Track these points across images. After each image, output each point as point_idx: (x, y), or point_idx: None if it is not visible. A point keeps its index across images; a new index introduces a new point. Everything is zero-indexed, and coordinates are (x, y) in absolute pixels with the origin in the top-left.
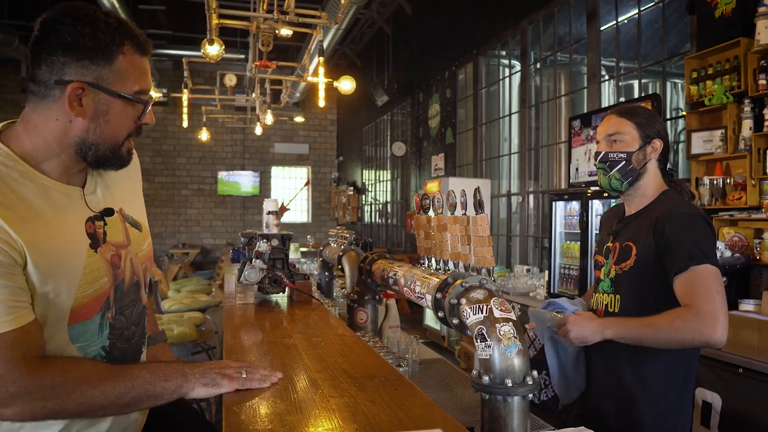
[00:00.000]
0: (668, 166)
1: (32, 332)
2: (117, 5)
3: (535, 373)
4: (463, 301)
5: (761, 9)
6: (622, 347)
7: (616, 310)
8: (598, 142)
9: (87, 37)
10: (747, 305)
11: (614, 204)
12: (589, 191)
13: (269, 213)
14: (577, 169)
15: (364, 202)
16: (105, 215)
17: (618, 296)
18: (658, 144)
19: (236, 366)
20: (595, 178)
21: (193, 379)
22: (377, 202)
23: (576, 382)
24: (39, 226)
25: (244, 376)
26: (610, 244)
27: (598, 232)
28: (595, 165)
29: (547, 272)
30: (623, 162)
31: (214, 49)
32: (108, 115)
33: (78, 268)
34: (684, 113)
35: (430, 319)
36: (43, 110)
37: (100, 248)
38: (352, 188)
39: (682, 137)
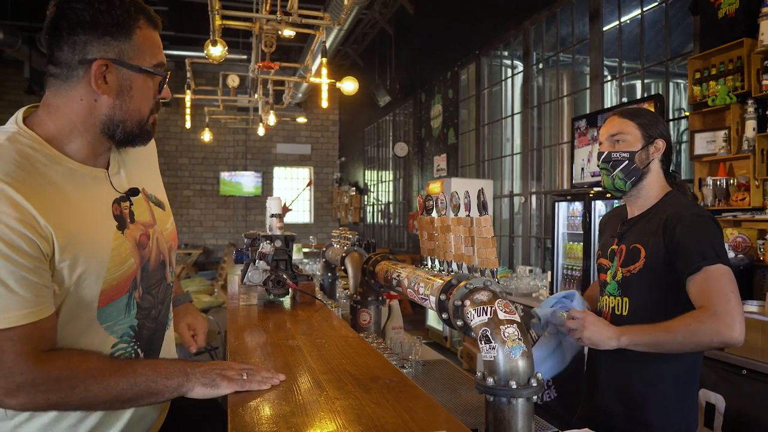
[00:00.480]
0: (671, 168)
1: (47, 327)
2: None
3: (539, 374)
4: (468, 302)
5: (765, 9)
6: (631, 350)
7: (625, 313)
8: (600, 143)
9: (105, 13)
10: (751, 306)
11: (616, 205)
12: (592, 192)
13: (273, 216)
14: (582, 169)
15: (366, 203)
16: (130, 195)
17: (626, 299)
18: (660, 144)
19: (238, 368)
20: (598, 178)
21: (193, 378)
22: (379, 202)
23: (564, 358)
24: (67, 209)
25: (244, 377)
26: (615, 247)
27: (598, 234)
28: (598, 165)
29: (549, 273)
30: (626, 161)
31: (217, 50)
32: (132, 91)
33: (106, 251)
34: (687, 114)
35: (433, 320)
36: (65, 92)
37: (128, 229)
38: (354, 189)
39: (685, 138)
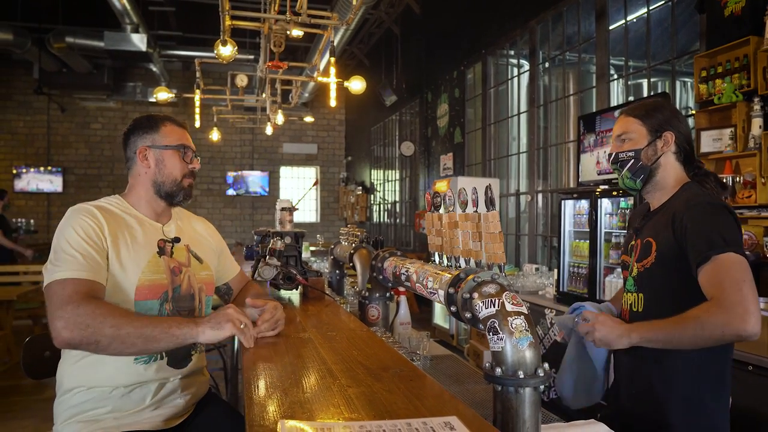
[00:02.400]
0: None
1: (96, 289)
2: (128, 6)
3: (546, 365)
4: (476, 295)
5: None
6: (648, 349)
7: (640, 309)
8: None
9: (143, 122)
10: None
11: (623, 204)
12: (598, 190)
13: (283, 209)
14: (598, 162)
15: (372, 202)
16: (174, 242)
17: (641, 294)
18: (669, 137)
19: (240, 318)
20: (603, 177)
21: (202, 325)
22: (386, 201)
23: (594, 390)
24: (126, 232)
25: (242, 327)
26: (633, 242)
27: (628, 228)
28: (610, 167)
29: (556, 271)
30: (632, 160)
31: (227, 50)
32: (164, 162)
33: (145, 258)
34: (693, 112)
35: (440, 318)
36: (133, 173)
37: (164, 257)
38: (360, 188)
39: (692, 136)
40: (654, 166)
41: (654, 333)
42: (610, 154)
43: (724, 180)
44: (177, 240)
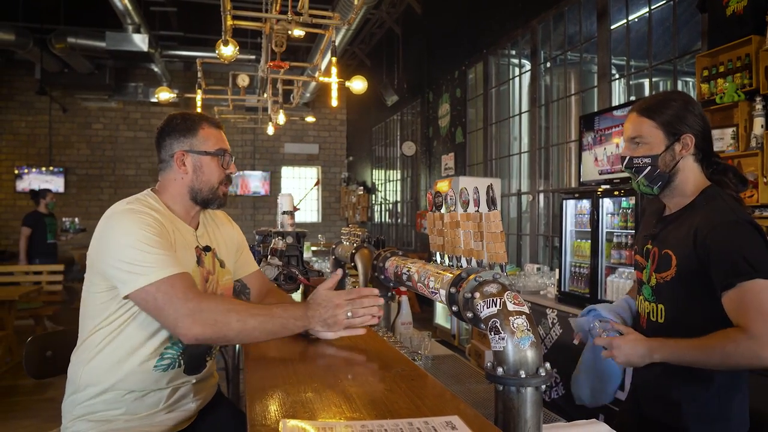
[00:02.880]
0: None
1: (191, 277)
2: (129, 7)
3: (548, 365)
4: (477, 295)
5: None
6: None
7: (661, 320)
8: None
9: (180, 124)
10: None
11: (624, 204)
12: (600, 189)
13: (284, 213)
14: (596, 159)
15: (374, 202)
16: (205, 250)
17: (661, 306)
18: (689, 140)
19: (344, 309)
20: (605, 177)
21: (313, 321)
22: (387, 201)
23: (611, 389)
24: (175, 238)
25: (350, 316)
26: (649, 247)
27: (641, 224)
28: (624, 169)
29: (557, 271)
30: (648, 168)
31: (228, 50)
32: (202, 168)
33: (189, 267)
34: None
35: (441, 318)
36: (167, 176)
37: (200, 267)
38: (362, 188)
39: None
40: (673, 172)
41: (676, 356)
42: (623, 157)
43: None
44: (208, 249)
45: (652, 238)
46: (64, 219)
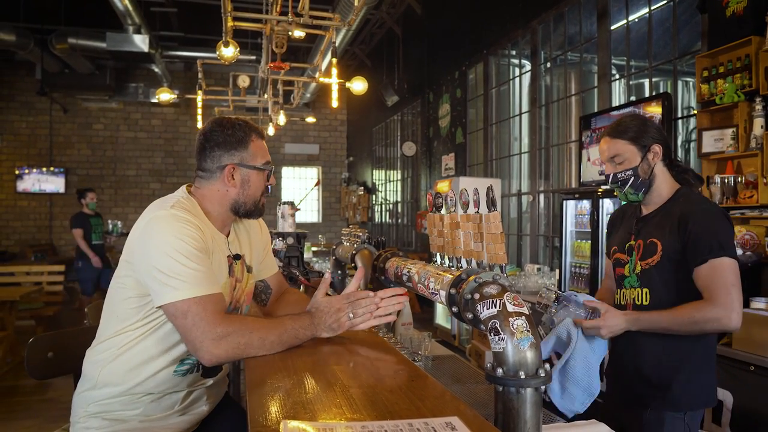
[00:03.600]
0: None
1: (222, 298)
2: (130, 7)
3: (547, 366)
4: (477, 296)
5: None
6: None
7: (646, 302)
8: (603, 164)
9: (230, 135)
10: (758, 303)
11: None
12: (600, 190)
13: (284, 203)
14: (590, 158)
15: (374, 202)
16: (235, 258)
17: (646, 290)
18: (657, 148)
19: (345, 312)
20: (605, 177)
21: (319, 328)
22: (387, 202)
23: (591, 387)
24: (211, 250)
25: (351, 317)
26: (632, 243)
27: (608, 232)
28: (608, 185)
29: (557, 271)
30: (632, 178)
31: (229, 51)
32: (250, 182)
33: (221, 279)
34: (695, 112)
35: (441, 318)
36: (209, 185)
37: (230, 277)
38: (362, 188)
39: (694, 136)
40: (651, 177)
41: (652, 325)
42: (607, 175)
43: (726, 180)
44: (238, 257)
45: (636, 234)
46: (109, 221)
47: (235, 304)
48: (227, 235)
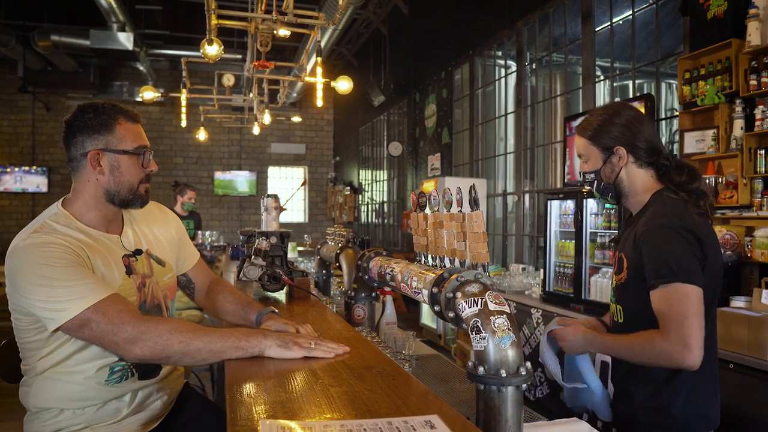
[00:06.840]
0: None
1: (120, 298)
2: (114, 5)
3: (528, 364)
4: (459, 294)
5: (752, 11)
6: None
7: (620, 320)
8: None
9: (92, 119)
10: (738, 302)
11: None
12: (584, 190)
13: (268, 207)
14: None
15: (360, 202)
16: (135, 254)
17: (619, 307)
18: (622, 151)
19: (307, 338)
20: None
21: (270, 339)
22: (374, 201)
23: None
24: (98, 257)
25: (312, 346)
26: (611, 252)
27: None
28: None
29: (542, 271)
30: (595, 182)
31: (213, 50)
32: (120, 168)
33: (117, 282)
34: (677, 113)
35: (427, 318)
36: (80, 177)
37: (134, 275)
38: (348, 188)
39: (676, 137)
40: (617, 181)
41: (608, 350)
42: (580, 172)
43: (707, 181)
44: (139, 252)
45: (616, 243)
46: (206, 233)
47: (153, 301)
48: (120, 233)
